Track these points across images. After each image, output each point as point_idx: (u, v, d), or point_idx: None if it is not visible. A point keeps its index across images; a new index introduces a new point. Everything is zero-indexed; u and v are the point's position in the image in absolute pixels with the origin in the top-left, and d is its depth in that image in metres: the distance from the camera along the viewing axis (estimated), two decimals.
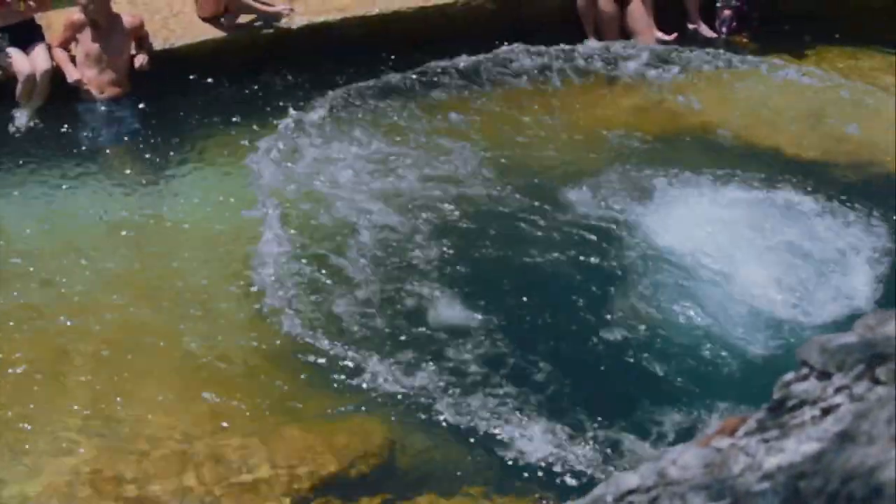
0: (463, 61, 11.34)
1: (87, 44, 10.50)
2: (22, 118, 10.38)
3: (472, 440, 7.10)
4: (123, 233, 9.12)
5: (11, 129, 10.33)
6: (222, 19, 11.14)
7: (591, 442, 7.02)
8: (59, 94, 10.56)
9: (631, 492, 2.71)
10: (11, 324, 8.05)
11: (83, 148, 10.22)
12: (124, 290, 8.47)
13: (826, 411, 2.57)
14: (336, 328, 8.01)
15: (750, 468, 2.52)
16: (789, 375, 2.82)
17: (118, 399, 7.42)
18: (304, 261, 8.62)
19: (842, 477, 2.13)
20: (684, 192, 9.45)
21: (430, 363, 7.71)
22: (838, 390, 2.60)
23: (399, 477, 6.95)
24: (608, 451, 6.89)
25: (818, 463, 2.26)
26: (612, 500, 2.74)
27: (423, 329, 8.06)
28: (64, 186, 9.71)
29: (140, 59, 10.68)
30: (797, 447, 2.46)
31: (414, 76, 11.09)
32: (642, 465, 2.78)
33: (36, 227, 9.21)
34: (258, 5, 11.17)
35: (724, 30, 12.32)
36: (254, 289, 8.39)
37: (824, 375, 2.69)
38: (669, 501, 2.56)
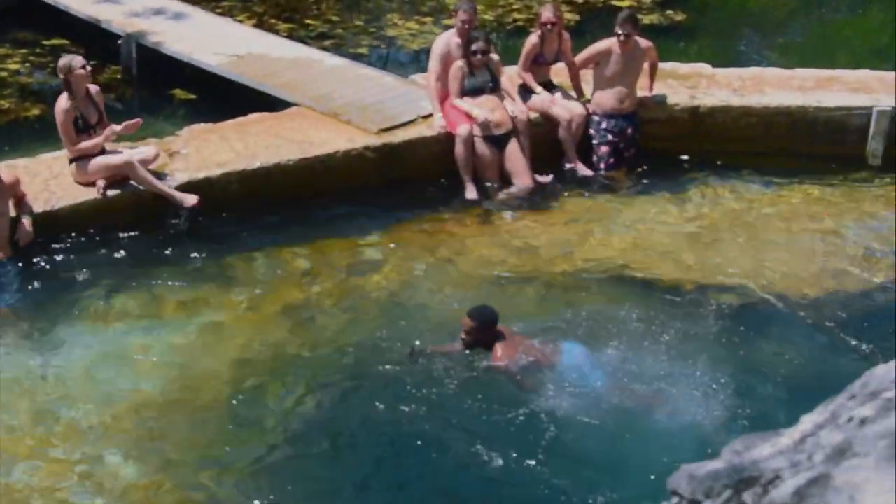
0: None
1: None
2: None
3: None
4: (7, 394, 8.98)
5: None
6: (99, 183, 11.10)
7: None
8: None
9: None
10: None
11: None
12: (9, 451, 8.33)
13: None
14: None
15: None
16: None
17: None
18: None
19: None
20: None
21: None
22: None
23: None
24: None
25: None
26: None
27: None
28: None
29: (23, 229, 10.57)
30: None
31: None
32: None
33: None
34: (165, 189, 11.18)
35: (601, 166, 12.57)
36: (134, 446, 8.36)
37: None
38: None
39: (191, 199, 11.06)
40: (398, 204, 11.96)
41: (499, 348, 8.99)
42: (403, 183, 12.12)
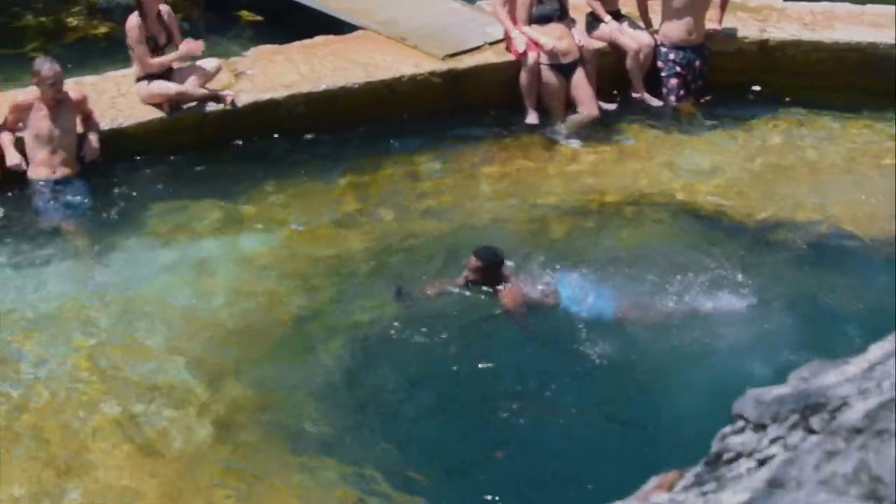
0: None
1: (36, 125, 10.48)
2: None
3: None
4: (74, 310, 9.12)
5: None
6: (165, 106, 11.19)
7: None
8: (9, 175, 10.54)
9: None
10: None
11: (34, 228, 10.22)
12: (65, 363, 8.49)
13: (762, 462, 2.60)
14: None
15: None
16: (727, 428, 2.84)
17: (66, 468, 7.40)
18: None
19: None
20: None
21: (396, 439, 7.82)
22: (773, 441, 2.63)
23: None
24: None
25: None
26: None
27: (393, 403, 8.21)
28: (15, 267, 9.71)
29: (90, 145, 10.69)
30: (733, 499, 2.48)
31: None
32: None
33: None
34: (203, 92, 11.21)
35: (670, 98, 12.45)
36: (199, 360, 8.47)
37: (760, 427, 2.72)
38: None
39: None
40: (462, 130, 11.93)
41: (506, 290, 9.00)
42: (467, 109, 12.06)
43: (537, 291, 9.06)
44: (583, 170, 11.31)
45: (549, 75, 12.01)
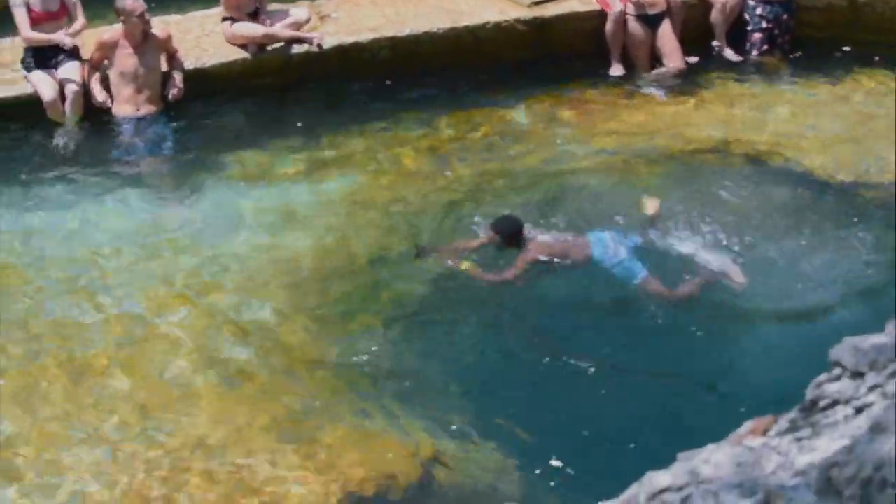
0: None
1: (121, 62, 10.57)
2: (57, 137, 10.47)
3: (508, 457, 7.12)
4: (154, 246, 9.22)
5: (48, 146, 10.42)
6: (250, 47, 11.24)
7: (624, 445, 7.06)
8: (94, 112, 10.66)
9: (663, 490, 2.71)
10: (49, 330, 8.19)
11: (118, 164, 10.34)
12: (155, 300, 8.55)
13: (859, 410, 2.58)
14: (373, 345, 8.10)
15: (782, 466, 2.53)
16: (822, 376, 2.82)
17: (151, 404, 7.48)
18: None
19: (875, 464, 2.15)
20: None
21: (471, 382, 7.80)
22: (871, 389, 2.61)
23: (435, 494, 6.94)
24: (640, 454, 6.88)
25: (850, 454, 2.27)
26: (644, 499, 2.74)
27: (466, 350, 8.18)
28: (98, 203, 9.82)
29: (174, 84, 10.78)
30: (830, 445, 2.47)
31: None
32: (674, 465, 2.78)
33: (68, 239, 9.33)
34: (289, 34, 11.25)
35: (754, 52, 12.31)
36: (280, 301, 8.50)
37: (857, 375, 2.70)
38: (702, 500, 2.56)
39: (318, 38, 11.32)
40: (545, 78, 11.84)
41: (532, 248, 8.91)
42: (552, 58, 11.99)
43: (566, 248, 8.99)
44: (665, 122, 11.20)
45: (634, 26, 11.92)
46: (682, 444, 2.99)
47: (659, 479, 2.76)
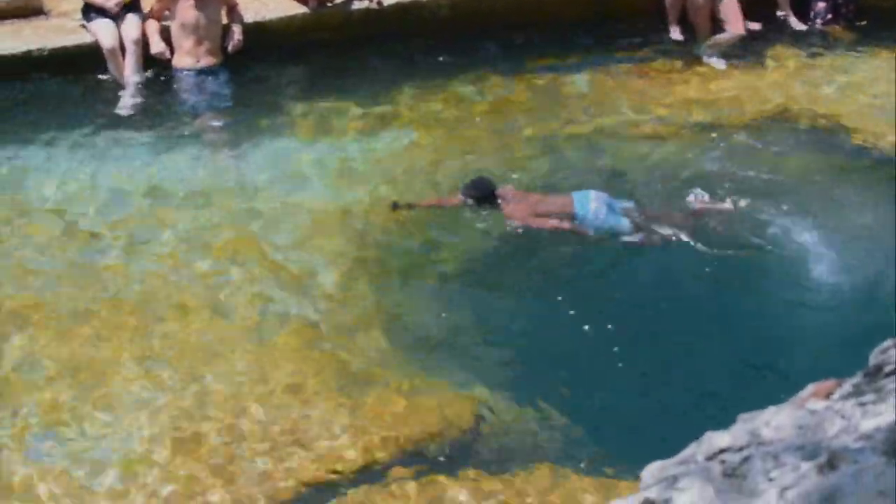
0: None
1: (182, 14, 10.59)
2: (116, 88, 10.53)
3: (556, 416, 7.13)
4: (210, 199, 9.29)
5: (107, 97, 10.49)
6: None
7: (679, 405, 7.06)
8: (154, 62, 10.74)
9: (723, 451, 2.70)
10: (108, 277, 8.33)
11: (176, 116, 10.40)
12: (207, 252, 8.64)
13: None
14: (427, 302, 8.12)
15: (846, 430, 2.51)
16: (887, 342, 2.80)
17: (199, 360, 7.53)
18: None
19: None
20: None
21: (518, 341, 7.82)
22: None
23: (481, 451, 6.95)
24: (695, 415, 6.87)
25: None
26: (703, 458, 2.74)
27: (518, 309, 8.20)
28: (155, 153, 9.90)
29: (233, 36, 10.78)
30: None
31: None
32: (734, 425, 2.77)
33: (126, 190, 9.41)
34: None
35: (818, 21, 12.17)
36: (338, 257, 8.55)
37: None
38: (762, 461, 2.55)
39: None
40: (605, 40, 11.80)
41: (508, 207, 8.90)
42: (612, 20, 11.92)
43: (545, 204, 8.95)
44: (724, 89, 11.11)
45: None
46: (737, 407, 2.99)
47: (718, 439, 2.75)
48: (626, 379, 7.49)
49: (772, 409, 2.79)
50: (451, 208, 9.06)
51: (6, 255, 8.57)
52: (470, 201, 8.96)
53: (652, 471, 2.83)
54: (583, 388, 7.41)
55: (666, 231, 8.74)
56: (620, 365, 7.60)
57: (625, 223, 8.76)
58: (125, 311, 8.00)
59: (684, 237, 8.65)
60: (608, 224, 8.76)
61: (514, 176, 9.53)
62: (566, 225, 8.77)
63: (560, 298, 8.27)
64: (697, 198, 8.98)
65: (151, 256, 8.60)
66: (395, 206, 9.05)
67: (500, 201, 8.91)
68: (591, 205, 8.82)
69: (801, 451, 2.51)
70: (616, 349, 7.71)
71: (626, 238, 8.71)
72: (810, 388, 2.87)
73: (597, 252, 8.75)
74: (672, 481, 2.67)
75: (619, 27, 11.86)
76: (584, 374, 7.57)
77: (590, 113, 10.62)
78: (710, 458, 2.71)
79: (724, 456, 2.68)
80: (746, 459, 2.60)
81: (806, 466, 2.42)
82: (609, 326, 7.93)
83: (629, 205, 8.94)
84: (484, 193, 8.95)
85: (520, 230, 8.76)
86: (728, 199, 8.95)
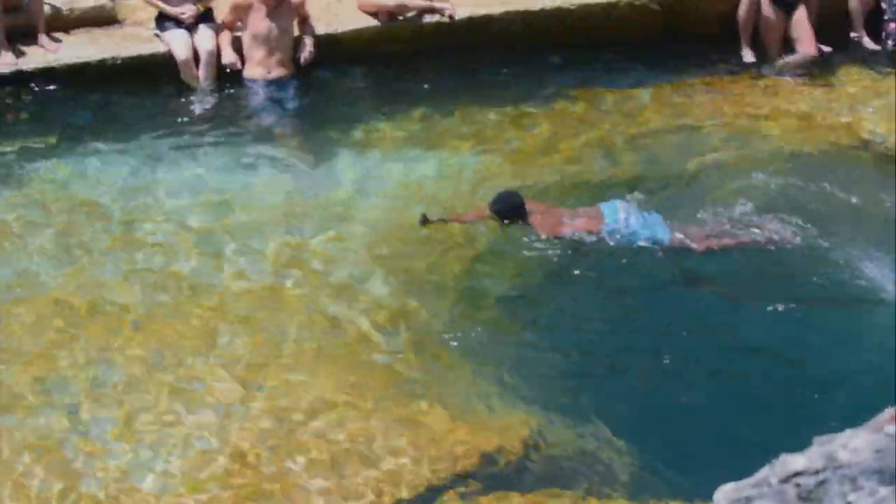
0: None
1: (254, 25, 10.69)
2: (189, 97, 10.67)
3: (615, 441, 7.10)
4: (278, 209, 9.35)
5: (180, 107, 10.63)
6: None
7: (748, 429, 7.01)
8: (225, 73, 10.84)
9: (798, 474, 2.69)
10: (173, 285, 8.41)
11: (246, 127, 10.50)
12: (272, 262, 8.71)
13: None
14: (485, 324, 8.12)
15: None
16: None
17: (259, 373, 7.57)
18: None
19: None
20: None
21: (576, 363, 7.82)
22: None
23: (537, 474, 6.93)
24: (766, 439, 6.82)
25: None
26: (777, 481, 2.72)
27: (578, 327, 8.18)
28: (224, 163, 9.99)
29: (305, 48, 10.86)
30: None
31: None
32: (810, 448, 2.76)
33: (195, 199, 9.50)
34: (421, 3, 11.29)
35: (889, 42, 12.09)
36: (400, 272, 8.59)
37: None
38: (839, 484, 2.54)
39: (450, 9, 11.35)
40: (675, 59, 11.77)
41: (538, 219, 8.89)
42: (682, 39, 11.88)
43: (576, 217, 8.94)
44: (794, 108, 11.07)
45: (768, 10, 11.78)
46: (810, 430, 2.97)
47: (793, 462, 2.74)
48: (688, 399, 7.45)
49: (848, 432, 2.78)
50: (489, 223, 9.05)
51: (75, 260, 8.66)
52: (499, 215, 8.95)
53: (725, 492, 2.81)
54: (643, 408, 7.39)
55: (701, 245, 8.73)
56: (681, 384, 7.57)
57: (659, 232, 8.75)
58: (187, 320, 8.06)
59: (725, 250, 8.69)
60: (642, 234, 8.75)
61: (573, 190, 9.53)
62: (595, 227, 8.78)
63: (616, 317, 8.29)
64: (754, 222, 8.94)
65: (217, 266, 8.66)
66: (423, 220, 9.04)
67: (528, 215, 8.92)
68: (620, 214, 8.82)
69: (879, 475, 2.50)
70: (677, 368, 7.68)
71: (662, 247, 8.69)
72: (889, 412, 2.85)
73: (652, 267, 8.70)
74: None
75: (689, 45, 11.81)
76: (644, 394, 7.54)
77: (655, 132, 10.59)
78: (784, 480, 2.70)
79: (800, 479, 2.67)
80: (822, 483, 2.59)
81: (884, 491, 2.41)
82: (670, 344, 7.90)
83: (658, 215, 8.93)
84: (513, 206, 8.95)
85: (574, 248, 8.74)
86: (789, 228, 8.86)
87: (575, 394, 7.50)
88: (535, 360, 7.85)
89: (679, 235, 8.76)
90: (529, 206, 8.99)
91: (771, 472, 2.78)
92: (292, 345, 7.84)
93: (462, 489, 6.70)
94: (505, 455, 6.97)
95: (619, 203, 8.97)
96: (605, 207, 8.94)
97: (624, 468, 6.90)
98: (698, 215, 9.01)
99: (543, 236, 8.80)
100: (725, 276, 8.67)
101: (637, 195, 9.27)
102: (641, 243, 8.73)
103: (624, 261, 8.70)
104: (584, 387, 7.59)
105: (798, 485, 2.65)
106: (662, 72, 11.61)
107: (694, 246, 8.69)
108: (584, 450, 7.06)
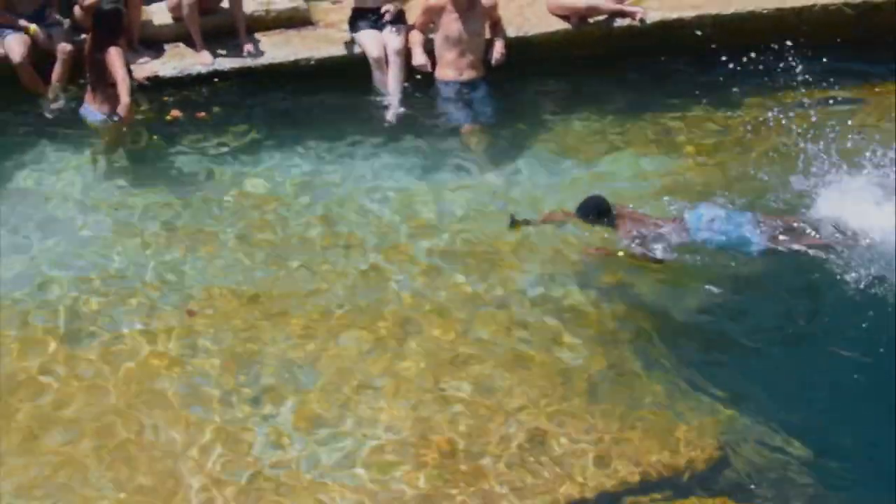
0: None
1: (446, 27, 10.80)
2: (379, 97, 10.88)
3: (809, 453, 7.07)
4: (469, 210, 9.52)
5: (371, 107, 10.84)
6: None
7: None
8: (415, 74, 10.99)
9: None
10: (361, 284, 8.66)
11: (437, 127, 10.60)
12: (463, 265, 8.87)
13: None
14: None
15: None
16: None
17: (446, 371, 7.77)
18: None
19: None
20: None
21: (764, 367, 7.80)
22: None
23: (729, 480, 6.94)
24: None
25: None
26: None
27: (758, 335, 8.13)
28: (416, 162, 10.23)
29: (496, 50, 10.96)
30: None
31: None
32: None
33: (383, 197, 9.72)
34: (612, 6, 11.30)
35: None
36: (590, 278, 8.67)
37: None
38: None
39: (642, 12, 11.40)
40: (862, 65, 11.61)
41: (624, 224, 8.87)
42: (871, 44, 11.70)
43: (662, 220, 8.92)
44: None
45: None
46: None
47: None
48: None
49: None
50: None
51: (278, 259, 8.90)
52: (584, 218, 9.00)
53: None
54: (835, 417, 7.32)
55: (800, 244, 8.64)
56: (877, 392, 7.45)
57: (753, 234, 8.66)
58: (381, 318, 8.27)
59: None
60: (732, 235, 8.68)
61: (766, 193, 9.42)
62: (683, 236, 8.73)
63: (802, 323, 8.22)
64: None
65: (408, 266, 8.83)
66: (512, 222, 9.14)
67: (616, 220, 8.93)
68: (705, 218, 8.77)
69: None
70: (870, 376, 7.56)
71: (760, 247, 8.62)
72: None
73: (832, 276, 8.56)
74: None
75: (878, 52, 11.61)
76: (836, 401, 7.47)
77: (856, 137, 10.36)
78: None
79: None
80: None
81: None
82: (861, 350, 7.78)
83: (749, 214, 8.85)
84: (600, 211, 8.96)
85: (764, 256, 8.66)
86: None
87: (771, 399, 7.48)
88: (727, 364, 7.90)
89: (768, 234, 8.69)
90: (618, 210, 9.00)
91: None
92: (481, 347, 8.00)
93: (653, 494, 6.81)
94: (697, 461, 7.04)
95: (703, 206, 8.96)
96: (689, 213, 8.90)
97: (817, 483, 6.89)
98: None
99: (628, 241, 8.79)
100: None
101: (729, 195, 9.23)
102: (735, 243, 8.68)
103: (818, 272, 8.57)
104: (776, 394, 7.54)
105: None
106: (856, 76, 11.42)
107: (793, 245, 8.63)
108: (778, 460, 7.06)
